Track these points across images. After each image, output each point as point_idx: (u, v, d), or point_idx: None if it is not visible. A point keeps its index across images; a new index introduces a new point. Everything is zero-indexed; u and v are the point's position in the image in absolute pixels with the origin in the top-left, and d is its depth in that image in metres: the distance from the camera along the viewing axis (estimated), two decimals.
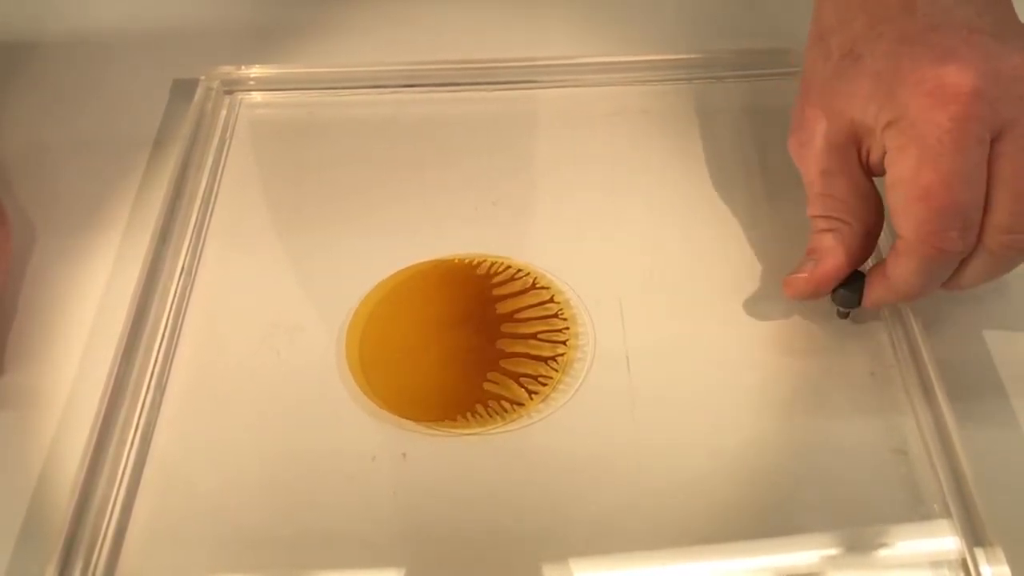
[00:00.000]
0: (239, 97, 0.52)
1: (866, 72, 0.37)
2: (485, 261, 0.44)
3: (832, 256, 0.39)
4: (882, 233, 0.40)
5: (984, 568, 0.34)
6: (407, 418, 0.39)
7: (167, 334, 0.42)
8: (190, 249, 0.45)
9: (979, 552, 0.34)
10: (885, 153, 0.37)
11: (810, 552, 0.35)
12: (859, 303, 0.40)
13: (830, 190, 0.39)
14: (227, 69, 0.52)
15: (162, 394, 0.40)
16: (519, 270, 0.44)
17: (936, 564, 0.35)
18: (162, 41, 0.56)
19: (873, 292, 0.39)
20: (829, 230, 0.39)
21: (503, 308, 0.43)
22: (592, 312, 0.42)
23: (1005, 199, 0.34)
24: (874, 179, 0.39)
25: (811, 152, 0.40)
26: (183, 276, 0.44)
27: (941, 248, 0.35)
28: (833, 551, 0.35)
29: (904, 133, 0.35)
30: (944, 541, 0.35)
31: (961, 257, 0.36)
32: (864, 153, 0.38)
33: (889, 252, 0.38)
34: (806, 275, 0.40)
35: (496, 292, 0.43)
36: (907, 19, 0.37)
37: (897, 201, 0.36)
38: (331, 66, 0.53)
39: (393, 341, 0.42)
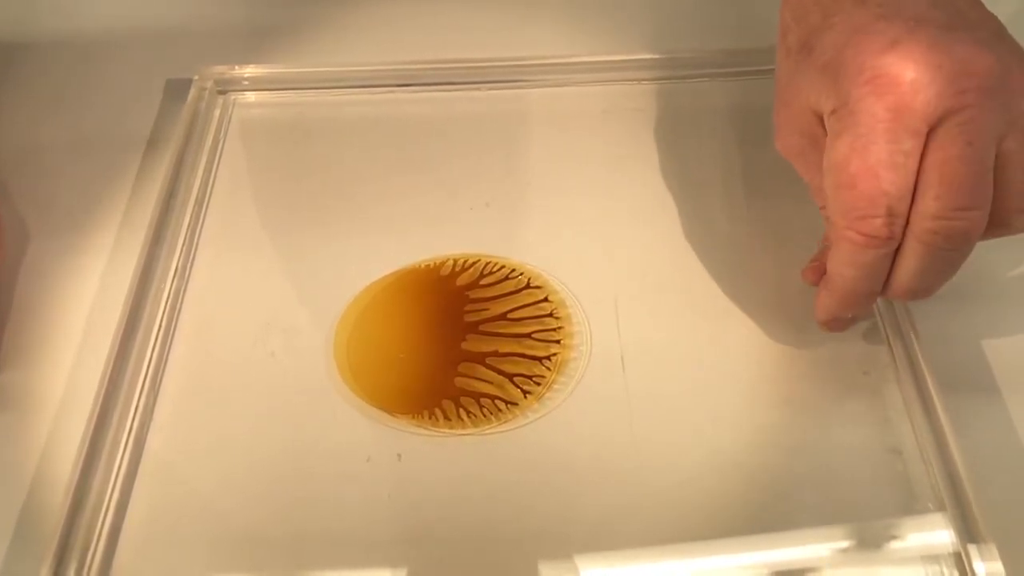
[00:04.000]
0: (232, 97, 0.52)
1: (816, 64, 0.37)
2: (479, 261, 0.44)
3: None
4: None
5: (978, 564, 0.34)
6: (398, 415, 0.39)
7: (161, 334, 0.42)
8: (184, 249, 0.45)
9: (973, 549, 0.34)
10: None
11: (804, 548, 0.35)
12: None
13: (821, 183, 0.39)
14: (220, 69, 0.52)
15: (156, 394, 0.40)
16: (513, 270, 0.44)
17: (930, 561, 0.35)
18: (155, 41, 0.56)
19: (819, 299, 0.39)
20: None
21: (497, 308, 0.43)
22: (587, 311, 0.42)
23: (931, 184, 0.34)
24: None
25: (792, 150, 0.40)
26: (177, 276, 0.44)
27: (864, 232, 0.35)
28: (827, 548, 0.35)
29: (841, 120, 0.35)
30: (938, 538, 0.35)
31: (889, 246, 0.35)
32: None
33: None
34: (819, 263, 0.40)
35: (489, 292, 0.43)
36: (858, 11, 0.37)
37: (828, 187, 0.36)
38: (324, 66, 0.53)
39: (383, 342, 0.42)
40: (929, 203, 0.34)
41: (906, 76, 0.34)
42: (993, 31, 0.36)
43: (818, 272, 0.40)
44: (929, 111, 0.34)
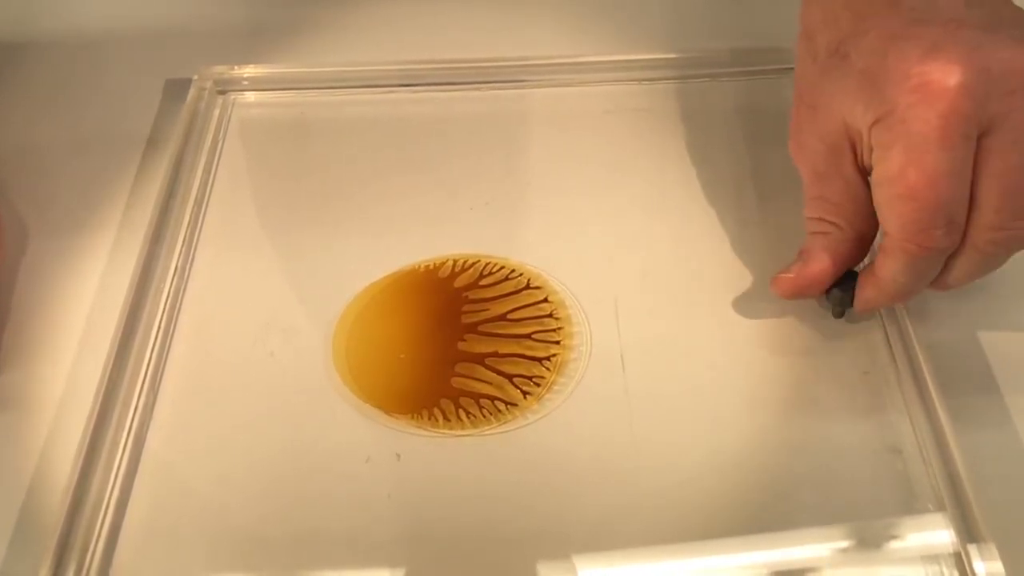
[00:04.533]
0: (232, 97, 0.52)
1: (853, 70, 0.37)
2: (479, 261, 0.44)
3: (819, 259, 0.39)
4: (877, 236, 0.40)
5: (978, 564, 0.34)
6: (397, 415, 0.39)
7: (160, 334, 0.42)
8: (183, 249, 0.45)
9: (973, 548, 0.34)
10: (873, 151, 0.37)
11: (804, 548, 0.35)
12: (852, 303, 0.40)
13: (823, 192, 0.39)
14: (220, 69, 0.52)
15: (156, 394, 0.40)
16: (513, 270, 0.44)
17: (930, 561, 0.35)
18: (155, 40, 0.56)
19: (863, 293, 0.39)
20: (820, 232, 0.39)
21: (497, 309, 0.43)
22: (587, 312, 0.42)
23: (991, 196, 0.34)
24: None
25: (807, 154, 0.39)
26: (176, 276, 0.44)
27: (926, 246, 0.35)
28: (827, 548, 0.35)
29: (891, 130, 0.35)
30: (938, 538, 0.35)
31: (947, 254, 0.36)
32: (859, 154, 0.38)
33: (878, 251, 0.38)
34: (792, 275, 0.40)
35: (489, 293, 0.43)
36: (892, 14, 0.36)
37: (883, 199, 0.36)
38: (324, 66, 0.53)
39: (383, 343, 0.42)
40: (990, 215, 0.34)
41: (952, 81, 0.33)
42: None
43: (790, 285, 0.40)
44: (979, 115, 0.33)
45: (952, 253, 0.36)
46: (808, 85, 0.39)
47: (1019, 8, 0.37)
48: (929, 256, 0.35)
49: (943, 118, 0.33)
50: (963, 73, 0.33)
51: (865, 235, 0.39)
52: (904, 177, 0.34)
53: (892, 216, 0.35)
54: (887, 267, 0.37)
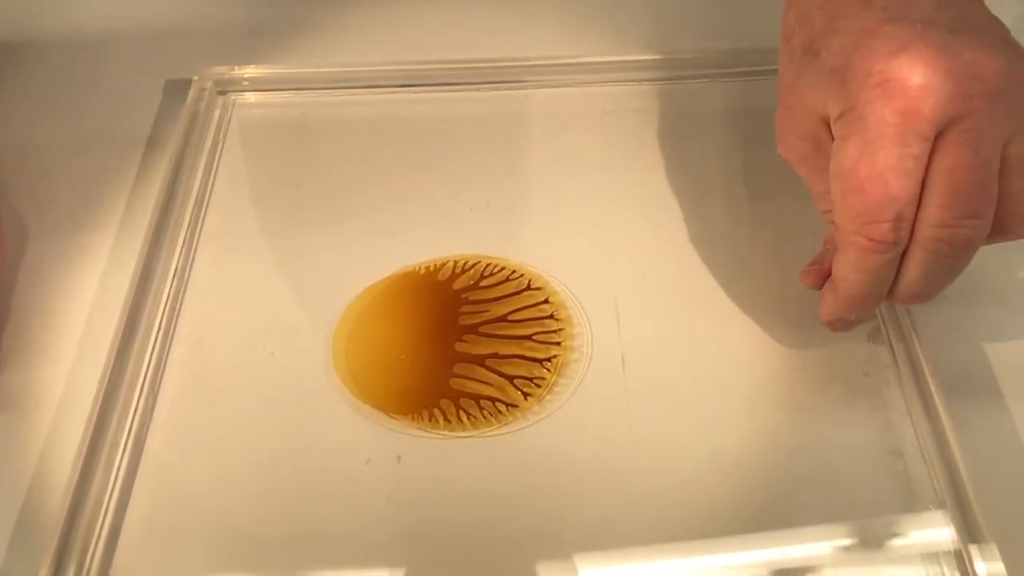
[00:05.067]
0: (232, 97, 0.52)
1: (823, 68, 0.37)
2: (479, 262, 0.44)
3: None
4: None
5: (979, 564, 0.34)
6: (398, 417, 0.39)
7: (160, 335, 0.42)
8: (183, 250, 0.45)
9: (974, 549, 0.34)
10: None
11: (805, 547, 0.35)
12: None
13: (826, 187, 0.39)
14: (220, 69, 0.52)
15: (156, 395, 0.40)
16: (513, 271, 0.44)
17: (931, 561, 0.35)
18: (155, 41, 0.56)
19: (824, 302, 0.39)
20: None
21: (497, 310, 0.43)
22: (587, 313, 0.42)
23: (938, 192, 0.34)
24: None
25: (796, 154, 0.40)
26: (176, 277, 0.44)
27: (872, 238, 0.35)
28: (828, 548, 0.35)
29: (849, 125, 0.35)
30: (939, 538, 0.35)
31: (894, 251, 0.35)
32: None
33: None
34: (819, 266, 0.40)
35: (490, 294, 0.43)
36: (864, 14, 0.36)
37: (836, 191, 0.36)
38: (324, 66, 0.53)
39: (383, 344, 0.42)
40: (934, 211, 0.34)
41: (915, 80, 0.33)
42: (999, 34, 0.36)
43: (817, 276, 0.40)
44: (937, 116, 0.33)
45: (900, 252, 0.36)
46: (786, 86, 0.40)
47: (989, 13, 0.37)
48: (876, 249, 0.35)
49: (900, 115, 0.34)
50: (925, 73, 0.33)
51: None
52: (855, 170, 0.34)
53: (843, 208, 0.35)
54: (839, 265, 0.37)
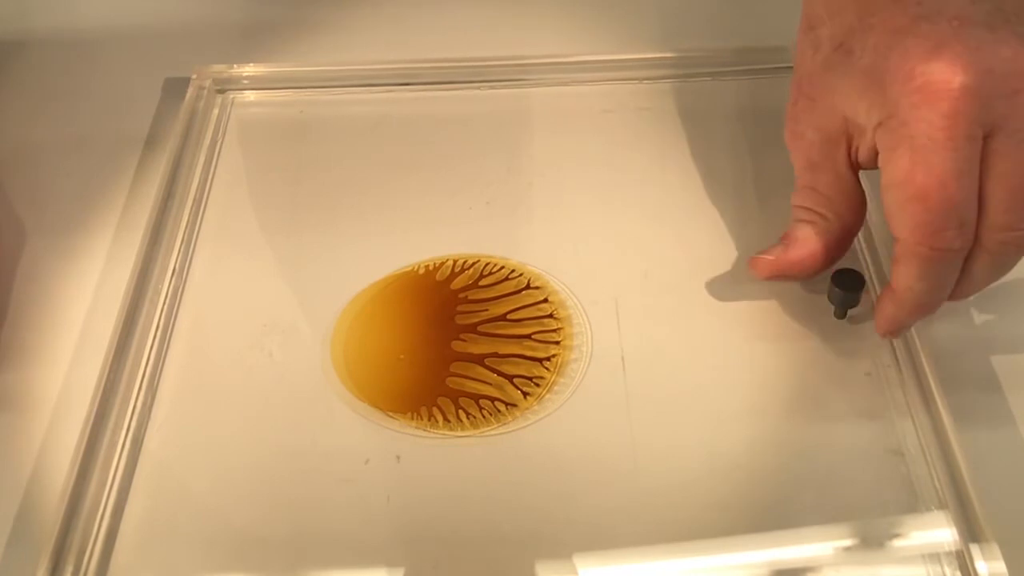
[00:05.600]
0: (231, 96, 0.52)
1: (856, 67, 0.36)
2: (479, 262, 0.44)
3: (802, 246, 0.40)
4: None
5: (980, 564, 0.34)
6: (397, 417, 0.39)
7: (158, 335, 0.42)
8: (182, 249, 0.45)
9: (975, 548, 0.34)
10: (876, 151, 0.36)
11: (806, 547, 0.35)
12: (856, 303, 0.40)
13: (814, 183, 0.39)
14: (219, 68, 0.52)
15: (153, 395, 0.40)
16: (513, 270, 0.44)
17: (932, 560, 0.35)
18: (153, 39, 0.56)
19: (884, 311, 0.38)
20: (806, 221, 0.40)
21: (496, 309, 0.42)
22: (587, 312, 0.42)
23: (1000, 196, 0.34)
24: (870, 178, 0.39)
25: (802, 143, 0.40)
26: (174, 276, 0.44)
27: (939, 247, 0.35)
28: (829, 549, 0.35)
29: (895, 132, 0.35)
30: (941, 537, 0.35)
31: (960, 256, 0.35)
32: (853, 149, 0.38)
33: (892, 262, 0.37)
34: (772, 258, 0.40)
35: (489, 293, 0.43)
36: (897, 10, 0.36)
37: (892, 203, 0.35)
38: (324, 65, 0.53)
39: (382, 344, 0.41)
40: (999, 216, 0.34)
41: (956, 82, 0.33)
42: None
43: (769, 267, 0.40)
44: (983, 116, 0.33)
45: (964, 257, 0.36)
46: (808, 76, 0.39)
47: (1021, 2, 0.36)
48: (943, 259, 0.35)
49: (947, 119, 0.33)
50: (966, 74, 0.33)
51: (850, 228, 0.39)
52: (912, 179, 0.34)
53: (903, 219, 0.35)
54: (903, 276, 0.36)
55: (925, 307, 0.37)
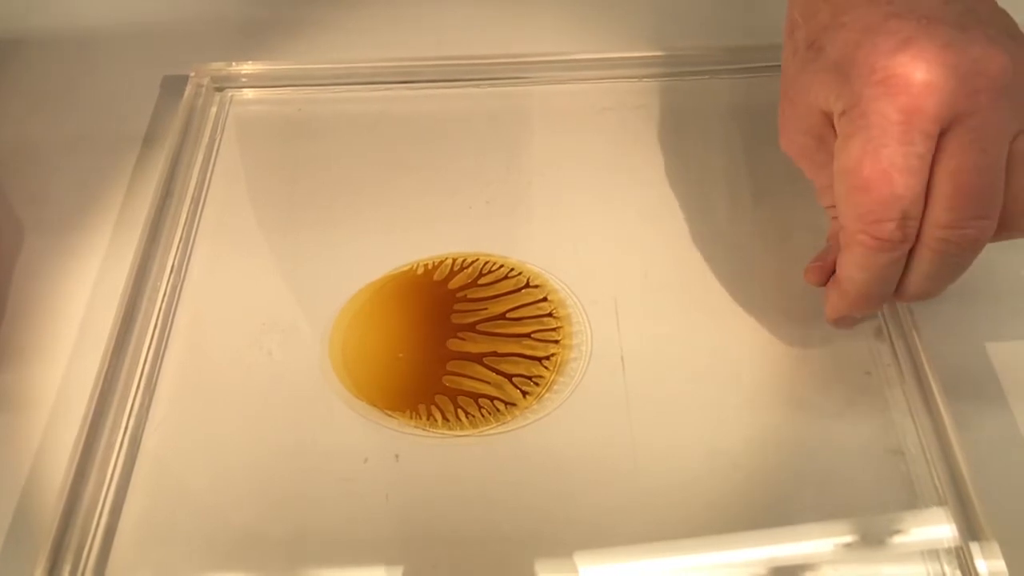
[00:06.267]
0: (229, 94, 0.52)
1: (827, 63, 0.36)
2: (477, 260, 0.44)
3: None
4: None
5: (980, 563, 0.34)
6: (396, 416, 0.39)
7: (156, 333, 0.42)
8: (180, 247, 0.45)
9: (975, 547, 0.34)
10: None
11: (805, 544, 0.35)
12: None
13: (829, 181, 0.39)
14: (217, 65, 0.52)
15: (152, 394, 0.40)
16: (512, 269, 0.44)
17: (932, 559, 0.35)
18: (151, 36, 0.56)
19: (829, 300, 0.39)
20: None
21: (495, 308, 0.42)
22: (587, 311, 0.42)
23: (944, 193, 0.34)
24: None
25: (798, 148, 0.39)
26: (173, 275, 0.44)
27: (878, 237, 0.34)
28: (828, 546, 0.35)
29: (853, 122, 0.35)
30: (941, 536, 0.35)
31: (901, 250, 0.35)
32: None
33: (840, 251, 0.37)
34: (822, 263, 0.40)
35: (488, 292, 0.43)
36: (870, 8, 0.36)
37: (840, 190, 0.35)
38: (323, 62, 0.52)
39: (381, 342, 0.41)
40: (941, 213, 0.34)
41: (918, 77, 0.33)
42: (1004, 28, 0.35)
43: (821, 272, 0.40)
44: (942, 113, 0.33)
45: (906, 251, 0.35)
46: (788, 80, 0.39)
47: (997, 6, 0.37)
48: (882, 249, 0.35)
49: (903, 113, 0.33)
50: (929, 69, 0.33)
51: None
52: (859, 169, 0.34)
53: (847, 207, 0.35)
54: (844, 264, 0.36)
55: (866, 299, 0.37)
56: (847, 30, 0.36)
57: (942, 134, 0.34)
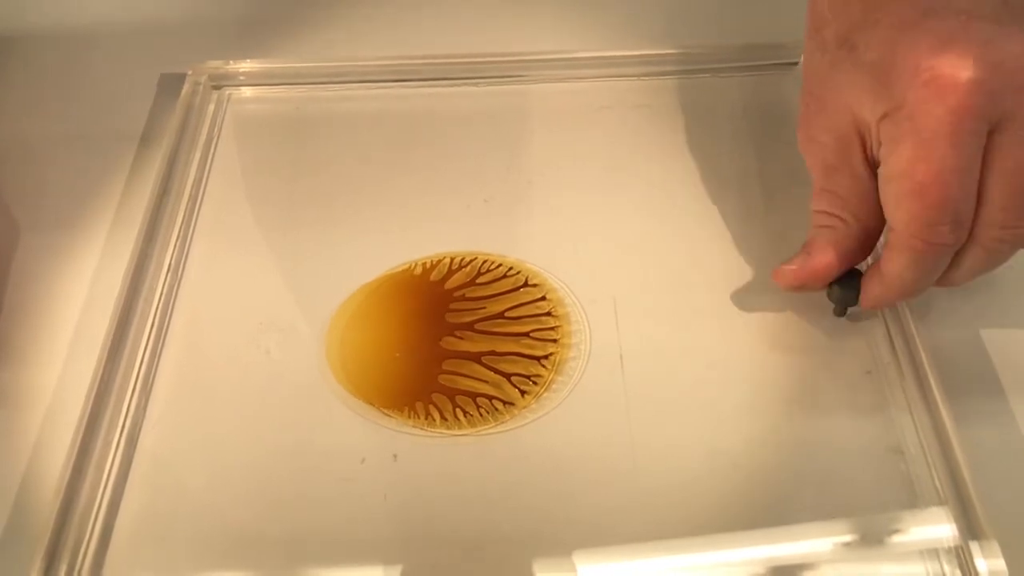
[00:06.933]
0: (227, 92, 0.52)
1: (862, 63, 0.36)
2: (476, 259, 0.44)
3: (824, 253, 0.39)
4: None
5: (980, 562, 0.34)
6: (394, 415, 0.39)
7: (153, 332, 0.42)
8: (177, 246, 0.45)
9: (975, 546, 0.34)
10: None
11: (805, 543, 0.35)
12: (855, 301, 0.40)
13: (832, 186, 0.39)
14: (215, 63, 0.52)
15: (148, 393, 0.40)
16: (510, 268, 0.44)
17: (932, 557, 0.35)
18: (149, 35, 0.55)
19: (870, 291, 0.39)
20: (827, 226, 0.39)
21: (494, 307, 0.42)
22: (585, 310, 0.42)
23: (998, 194, 0.34)
24: None
25: (815, 147, 0.39)
26: (170, 274, 0.44)
27: (933, 242, 0.35)
28: (828, 545, 0.35)
29: (899, 125, 0.34)
30: (941, 535, 0.35)
31: (953, 251, 0.35)
32: (868, 148, 0.37)
33: (884, 248, 0.37)
34: (795, 267, 0.40)
35: (486, 291, 0.43)
36: (903, 5, 0.35)
37: (890, 194, 0.35)
38: (321, 61, 0.52)
39: (379, 342, 0.41)
40: (996, 213, 0.34)
41: (964, 76, 0.33)
42: None
43: (794, 277, 0.40)
44: (990, 112, 0.33)
45: (958, 250, 0.36)
46: (816, 78, 0.39)
47: None
48: (935, 253, 0.35)
49: (953, 114, 0.33)
50: (974, 68, 0.33)
51: (871, 231, 0.39)
52: (912, 173, 0.34)
53: (899, 212, 0.35)
54: (893, 264, 0.36)
55: (910, 293, 0.38)
56: (882, 28, 0.36)
57: (990, 133, 0.33)
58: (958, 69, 0.33)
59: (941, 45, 0.34)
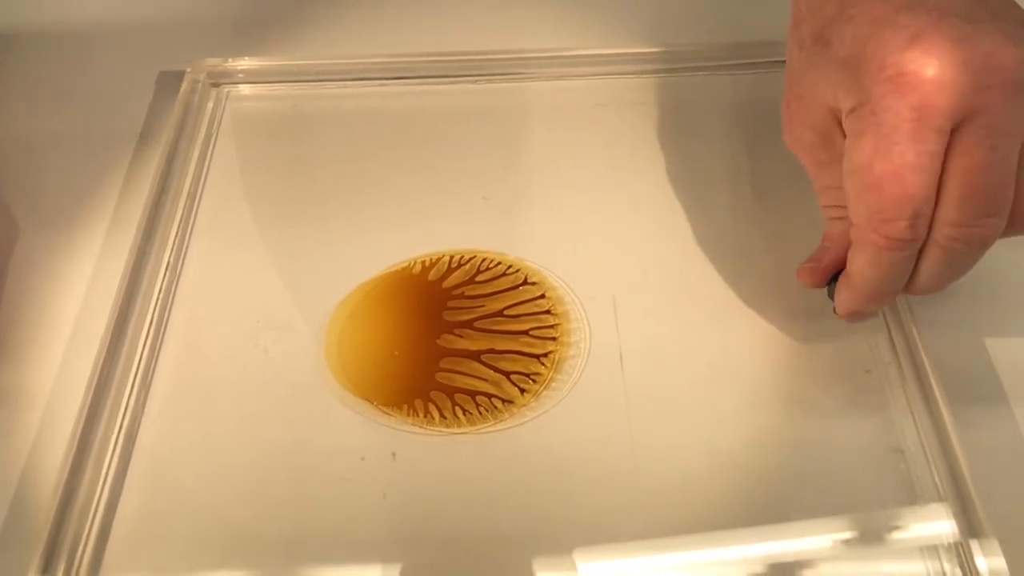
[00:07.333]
0: (226, 90, 0.52)
1: (834, 58, 0.36)
2: (475, 257, 0.44)
3: (841, 244, 0.39)
4: None
5: (980, 560, 0.34)
6: (393, 414, 0.39)
7: (152, 331, 0.41)
8: (175, 245, 0.44)
9: (975, 544, 0.34)
10: None
11: (805, 540, 0.35)
12: None
13: (828, 180, 0.39)
14: (214, 61, 0.52)
15: (147, 392, 0.40)
16: (510, 266, 0.44)
17: (932, 556, 0.35)
18: (147, 32, 0.55)
19: (839, 296, 0.39)
20: (838, 219, 0.39)
21: (493, 305, 0.42)
22: (585, 308, 0.42)
23: (955, 192, 0.34)
24: None
25: (803, 145, 0.39)
26: (168, 272, 0.43)
27: (890, 236, 0.34)
28: (828, 542, 0.35)
29: (863, 120, 0.34)
30: (941, 533, 0.35)
31: (913, 248, 0.35)
32: None
33: (850, 248, 0.37)
34: (815, 264, 0.40)
35: (485, 289, 0.43)
36: (878, 1, 0.35)
37: (850, 189, 0.35)
38: (319, 58, 0.52)
39: (378, 340, 0.41)
40: (951, 211, 0.34)
41: (929, 73, 0.33)
42: (1017, 20, 0.35)
43: (814, 274, 0.40)
44: (953, 110, 0.33)
45: (918, 249, 0.35)
46: (795, 75, 0.39)
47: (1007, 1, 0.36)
48: (894, 248, 0.35)
49: (915, 111, 0.33)
50: (940, 66, 0.33)
51: None
52: (871, 168, 0.34)
53: (858, 206, 0.35)
54: (855, 261, 0.36)
55: (876, 295, 0.37)
56: (855, 23, 0.35)
57: (954, 131, 0.33)
58: (923, 66, 0.33)
59: (910, 41, 0.33)
